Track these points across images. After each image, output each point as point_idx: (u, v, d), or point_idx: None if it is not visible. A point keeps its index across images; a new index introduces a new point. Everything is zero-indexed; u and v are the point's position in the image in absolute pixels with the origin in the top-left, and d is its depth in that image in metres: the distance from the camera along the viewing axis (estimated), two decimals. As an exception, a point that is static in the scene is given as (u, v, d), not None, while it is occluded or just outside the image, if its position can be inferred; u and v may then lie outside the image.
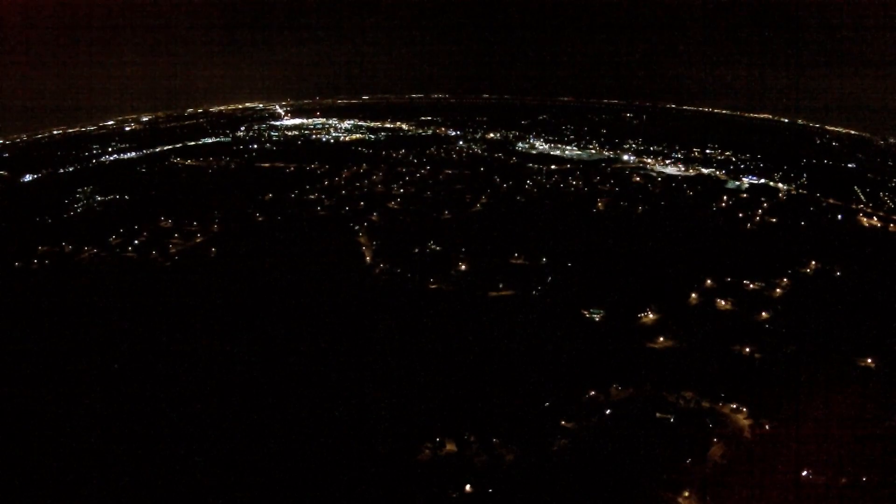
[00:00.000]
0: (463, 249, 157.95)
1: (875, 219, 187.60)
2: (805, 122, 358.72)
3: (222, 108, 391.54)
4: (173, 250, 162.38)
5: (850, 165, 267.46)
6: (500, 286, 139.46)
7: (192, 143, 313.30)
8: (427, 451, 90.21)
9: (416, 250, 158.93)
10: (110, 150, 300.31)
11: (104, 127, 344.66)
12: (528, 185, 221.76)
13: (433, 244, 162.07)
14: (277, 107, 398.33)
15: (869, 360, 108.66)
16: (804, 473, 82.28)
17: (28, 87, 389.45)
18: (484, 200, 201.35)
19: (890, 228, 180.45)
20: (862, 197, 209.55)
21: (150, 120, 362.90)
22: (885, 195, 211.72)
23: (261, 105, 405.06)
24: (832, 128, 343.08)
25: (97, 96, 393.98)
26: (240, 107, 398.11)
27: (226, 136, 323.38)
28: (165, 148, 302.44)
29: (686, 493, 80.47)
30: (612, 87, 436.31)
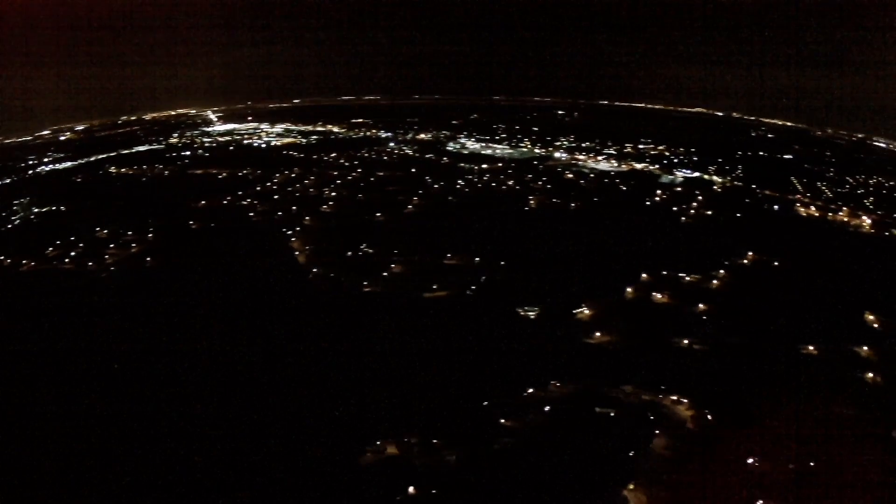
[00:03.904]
0: (396, 251, 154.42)
1: (813, 208, 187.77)
2: (740, 115, 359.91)
3: (155, 114, 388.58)
4: (109, 260, 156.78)
5: (786, 157, 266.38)
6: (434, 287, 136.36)
7: (126, 151, 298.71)
8: (368, 454, 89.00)
9: (350, 253, 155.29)
10: (46, 160, 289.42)
11: (39, 137, 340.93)
12: (460, 184, 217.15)
13: (366, 247, 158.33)
14: (209, 112, 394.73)
15: (811, 348, 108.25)
16: (749, 461, 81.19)
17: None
18: (416, 201, 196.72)
19: (828, 218, 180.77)
20: (799, 187, 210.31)
21: (84, 129, 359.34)
22: (822, 185, 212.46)
23: (193, 111, 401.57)
24: (768, 120, 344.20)
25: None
26: (172, 113, 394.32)
27: (159, 143, 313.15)
28: (100, 157, 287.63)
29: (631, 486, 79.31)
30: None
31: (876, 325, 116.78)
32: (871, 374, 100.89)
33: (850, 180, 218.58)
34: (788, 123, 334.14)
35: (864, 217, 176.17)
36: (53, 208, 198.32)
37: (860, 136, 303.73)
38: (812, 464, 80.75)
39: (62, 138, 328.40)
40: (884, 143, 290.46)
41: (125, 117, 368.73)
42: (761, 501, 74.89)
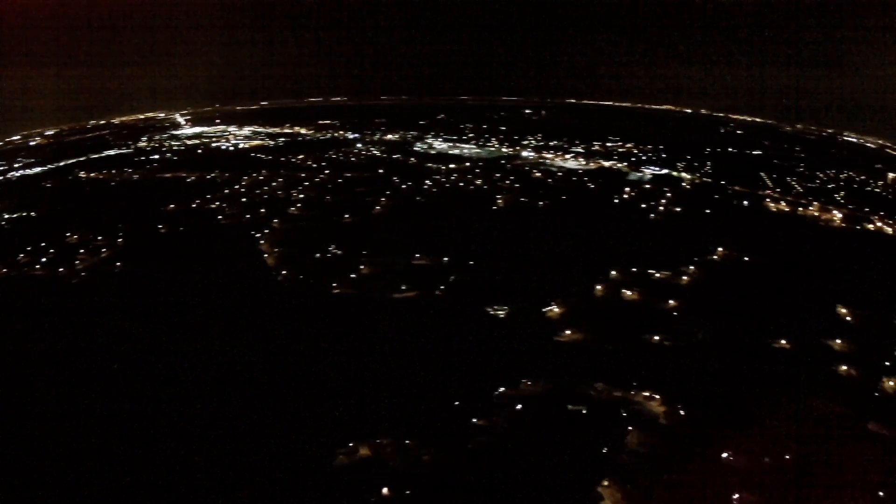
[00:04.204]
0: (364, 252, 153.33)
1: (783, 203, 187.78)
2: (708, 112, 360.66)
3: (124, 118, 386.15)
4: (80, 266, 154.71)
5: (755, 152, 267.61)
6: (403, 287, 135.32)
7: (96, 155, 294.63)
8: (341, 456, 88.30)
9: (318, 255, 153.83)
10: (16, 166, 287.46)
11: (10, 142, 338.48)
12: (428, 185, 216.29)
13: (334, 248, 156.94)
14: (178, 115, 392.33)
15: (783, 342, 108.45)
16: (724, 455, 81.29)
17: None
18: (384, 202, 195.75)
19: (798, 212, 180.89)
20: (769, 183, 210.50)
21: (54, 133, 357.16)
22: (792, 180, 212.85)
23: (162, 114, 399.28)
24: (737, 116, 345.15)
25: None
26: (141, 117, 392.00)
27: (128, 147, 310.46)
28: (69, 162, 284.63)
29: (605, 483, 78.80)
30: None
31: (849, 319, 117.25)
32: (845, 368, 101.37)
33: (821, 175, 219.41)
34: (757, 119, 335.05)
35: (834, 211, 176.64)
36: (24, 214, 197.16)
37: (830, 131, 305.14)
38: (787, 457, 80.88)
39: (31, 143, 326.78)
40: (854, 137, 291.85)
41: (94, 121, 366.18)
42: (737, 495, 74.71)
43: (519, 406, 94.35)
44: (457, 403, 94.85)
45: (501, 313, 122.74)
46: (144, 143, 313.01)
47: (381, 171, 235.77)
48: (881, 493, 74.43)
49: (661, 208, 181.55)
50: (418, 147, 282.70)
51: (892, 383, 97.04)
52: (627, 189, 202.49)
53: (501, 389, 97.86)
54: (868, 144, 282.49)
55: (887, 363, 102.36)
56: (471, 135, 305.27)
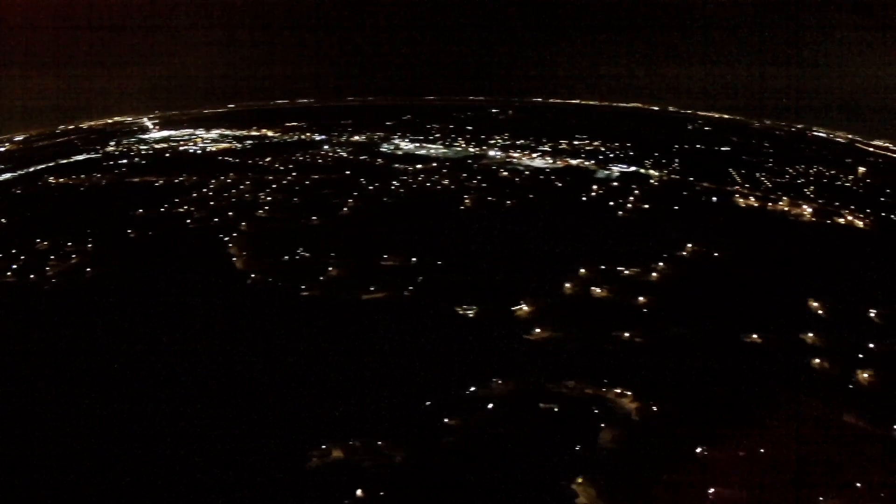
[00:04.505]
0: (332, 254, 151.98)
1: (752, 199, 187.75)
2: (676, 109, 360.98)
3: (92, 123, 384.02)
4: (50, 272, 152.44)
5: (724, 149, 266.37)
6: (372, 289, 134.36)
7: (65, 160, 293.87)
8: (314, 458, 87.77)
9: (286, 258, 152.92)
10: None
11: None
12: (395, 185, 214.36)
13: (302, 250, 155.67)
14: (146, 119, 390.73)
15: (755, 336, 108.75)
16: (698, 450, 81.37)
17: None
18: (351, 203, 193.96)
19: (767, 208, 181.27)
20: (738, 179, 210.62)
21: (23, 139, 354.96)
22: (761, 176, 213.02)
23: (129, 119, 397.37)
24: (704, 113, 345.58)
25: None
26: (109, 121, 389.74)
27: (96, 152, 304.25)
28: (39, 167, 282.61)
29: (579, 480, 78.51)
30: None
31: (820, 312, 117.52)
32: (817, 361, 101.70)
33: (790, 170, 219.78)
34: (725, 116, 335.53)
35: (804, 206, 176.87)
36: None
37: (799, 126, 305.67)
38: (762, 451, 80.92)
39: (1, 149, 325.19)
40: (823, 133, 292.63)
41: (63, 126, 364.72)
42: (713, 489, 74.50)
43: (491, 405, 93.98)
44: (428, 403, 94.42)
45: (471, 313, 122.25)
46: (112, 148, 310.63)
47: (347, 172, 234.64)
48: (858, 486, 74.63)
49: (630, 206, 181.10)
50: (385, 148, 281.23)
51: (864, 375, 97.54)
52: (595, 187, 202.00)
53: (472, 389, 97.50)
54: (837, 139, 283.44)
55: (860, 356, 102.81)
56: (437, 135, 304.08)
